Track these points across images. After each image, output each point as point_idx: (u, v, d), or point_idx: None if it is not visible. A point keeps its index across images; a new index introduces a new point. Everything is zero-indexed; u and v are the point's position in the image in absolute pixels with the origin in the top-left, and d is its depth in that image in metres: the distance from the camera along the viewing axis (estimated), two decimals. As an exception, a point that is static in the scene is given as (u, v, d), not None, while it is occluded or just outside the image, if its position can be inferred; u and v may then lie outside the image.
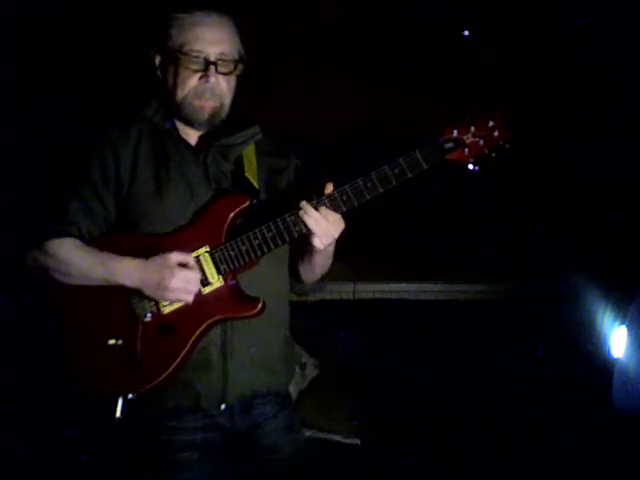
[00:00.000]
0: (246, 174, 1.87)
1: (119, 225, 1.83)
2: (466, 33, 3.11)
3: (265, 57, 1.96)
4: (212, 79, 1.81)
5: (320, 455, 3.04)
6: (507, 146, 1.77)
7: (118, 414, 1.70)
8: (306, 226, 1.75)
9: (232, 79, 1.87)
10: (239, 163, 1.90)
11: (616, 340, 2.99)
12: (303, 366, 3.66)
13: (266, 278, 1.86)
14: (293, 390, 3.48)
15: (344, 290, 4.27)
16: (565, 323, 3.33)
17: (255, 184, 1.86)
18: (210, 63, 1.80)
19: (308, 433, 3.27)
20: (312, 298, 4.21)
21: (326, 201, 1.76)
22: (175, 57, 1.81)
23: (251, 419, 1.85)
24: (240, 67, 1.87)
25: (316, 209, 1.75)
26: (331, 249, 1.87)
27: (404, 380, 3.51)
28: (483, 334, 3.67)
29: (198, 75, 1.81)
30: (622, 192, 3.46)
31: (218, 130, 1.89)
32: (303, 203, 1.75)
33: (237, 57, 1.86)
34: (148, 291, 1.73)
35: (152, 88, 1.91)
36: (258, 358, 1.84)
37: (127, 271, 1.73)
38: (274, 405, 1.90)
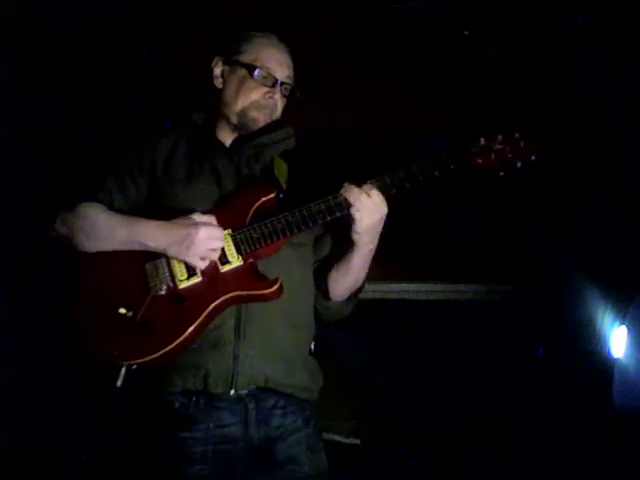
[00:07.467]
0: (275, 173, 1.92)
1: (149, 208, 1.88)
2: (466, 33, 3.11)
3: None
4: (277, 97, 1.92)
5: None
6: (533, 157, 1.82)
7: (119, 383, 1.65)
8: (341, 208, 1.76)
9: (284, 102, 1.97)
10: (269, 166, 1.95)
11: (616, 340, 2.99)
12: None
13: (287, 268, 1.84)
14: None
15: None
16: (565, 323, 3.33)
17: (283, 185, 1.89)
18: (277, 83, 1.91)
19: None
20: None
21: (368, 183, 1.79)
22: (246, 69, 1.90)
23: (267, 430, 1.78)
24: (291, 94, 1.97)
25: (359, 186, 1.77)
26: (369, 251, 1.87)
27: (404, 380, 3.51)
28: (483, 334, 3.67)
29: (264, 90, 1.90)
30: (622, 191, 3.46)
31: (252, 134, 1.95)
32: (346, 183, 1.79)
33: (294, 84, 1.97)
34: (172, 250, 1.74)
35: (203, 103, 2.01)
36: (274, 349, 1.80)
37: (151, 232, 1.76)
38: (296, 419, 1.83)
